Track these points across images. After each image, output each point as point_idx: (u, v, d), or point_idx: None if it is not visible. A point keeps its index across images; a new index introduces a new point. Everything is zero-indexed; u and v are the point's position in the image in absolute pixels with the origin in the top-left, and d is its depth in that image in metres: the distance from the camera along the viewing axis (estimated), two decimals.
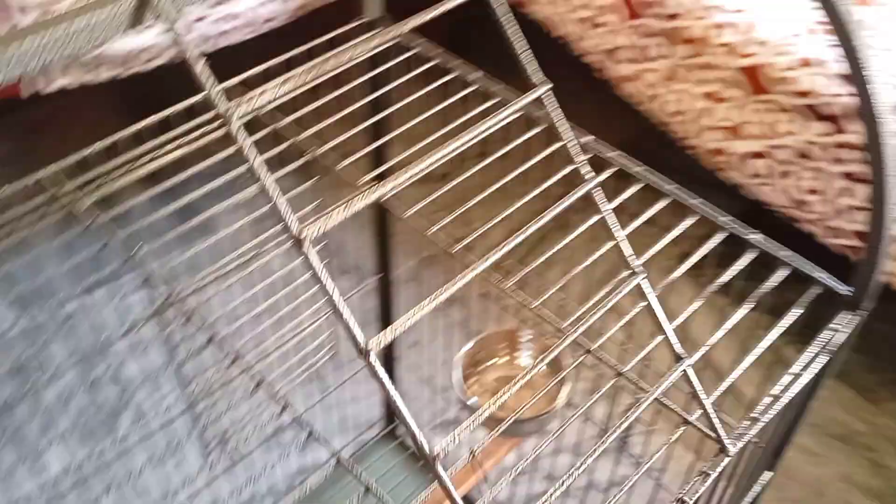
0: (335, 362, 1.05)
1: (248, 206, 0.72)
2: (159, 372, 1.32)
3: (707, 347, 0.52)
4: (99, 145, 0.68)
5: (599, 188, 0.46)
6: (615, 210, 0.48)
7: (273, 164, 0.68)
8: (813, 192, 1.35)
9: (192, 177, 0.70)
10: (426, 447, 0.39)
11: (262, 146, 0.64)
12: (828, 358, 0.53)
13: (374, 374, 0.38)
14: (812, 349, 0.53)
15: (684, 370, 0.46)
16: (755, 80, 1.36)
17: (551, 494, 0.43)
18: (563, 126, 0.46)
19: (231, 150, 0.72)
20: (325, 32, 0.80)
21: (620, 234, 0.47)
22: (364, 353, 0.38)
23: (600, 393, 0.56)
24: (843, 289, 0.56)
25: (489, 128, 0.45)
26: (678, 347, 0.47)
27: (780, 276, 0.57)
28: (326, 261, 0.39)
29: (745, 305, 0.57)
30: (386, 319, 1.10)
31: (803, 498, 1.34)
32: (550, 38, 1.66)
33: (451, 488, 0.39)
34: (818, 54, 1.31)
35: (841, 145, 1.29)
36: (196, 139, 0.72)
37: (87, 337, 1.37)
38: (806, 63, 1.31)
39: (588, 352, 0.57)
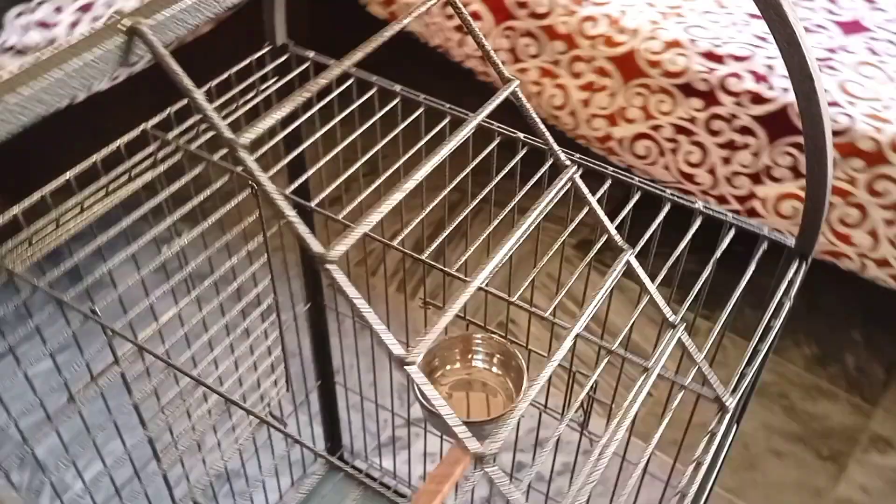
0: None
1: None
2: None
3: (692, 316, 0.55)
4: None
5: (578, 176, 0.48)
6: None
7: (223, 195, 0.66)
8: (697, 164, 1.43)
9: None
10: (395, 350, 0.39)
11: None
12: (790, 304, 0.57)
13: (411, 380, 0.37)
14: (776, 298, 0.56)
15: (679, 336, 0.49)
16: (628, 66, 1.43)
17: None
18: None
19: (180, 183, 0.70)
20: (229, 59, 0.78)
21: (604, 218, 0.49)
22: (404, 363, 0.37)
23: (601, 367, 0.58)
24: (789, 240, 0.61)
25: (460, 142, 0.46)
26: (668, 312, 0.49)
27: (730, 235, 0.61)
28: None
29: (707, 269, 0.60)
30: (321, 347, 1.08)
31: (731, 452, 1.41)
32: (429, 48, 1.68)
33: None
34: (682, 36, 1.39)
35: (715, 117, 1.37)
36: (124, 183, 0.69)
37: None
38: (673, 44, 1.39)
39: (610, 352, 0.58)
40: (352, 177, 0.76)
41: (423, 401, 0.83)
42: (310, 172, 0.76)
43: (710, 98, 1.36)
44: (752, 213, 1.40)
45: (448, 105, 0.83)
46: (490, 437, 0.41)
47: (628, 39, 1.42)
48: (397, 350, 0.38)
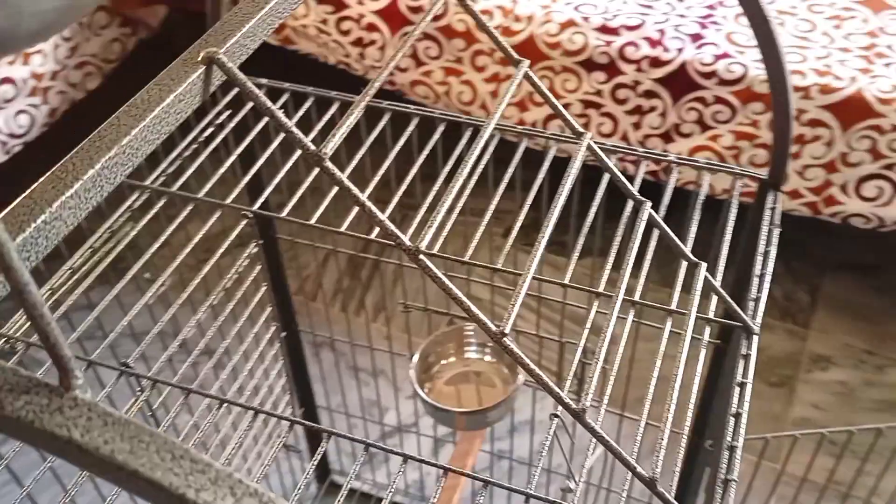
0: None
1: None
2: None
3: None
4: None
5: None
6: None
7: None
8: (610, 134, 1.49)
9: None
10: (492, 327, 0.41)
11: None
12: (779, 231, 0.62)
13: (510, 351, 0.39)
14: (765, 226, 0.62)
15: (705, 275, 0.53)
16: (529, 52, 1.48)
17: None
18: None
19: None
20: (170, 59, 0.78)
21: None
22: (501, 334, 0.39)
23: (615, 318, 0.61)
24: (763, 174, 0.66)
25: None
26: (688, 253, 0.53)
27: (706, 179, 0.65)
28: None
29: (694, 217, 0.65)
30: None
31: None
32: (329, 65, 1.69)
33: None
34: (574, 15, 1.46)
35: (619, 86, 1.44)
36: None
37: None
38: (568, 24, 1.45)
39: (633, 302, 0.61)
40: (311, 186, 0.77)
41: (429, 400, 0.85)
42: (275, 182, 0.76)
43: (611, 69, 1.43)
44: (668, 170, 1.47)
45: (386, 102, 0.85)
46: (507, 316, 0.43)
47: (525, 26, 1.48)
48: (491, 326, 0.40)
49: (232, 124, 0.75)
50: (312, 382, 1.28)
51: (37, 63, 1.59)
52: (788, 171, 1.39)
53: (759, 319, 0.55)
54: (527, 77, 0.50)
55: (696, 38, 1.41)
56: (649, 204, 0.51)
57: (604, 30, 1.44)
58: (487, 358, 0.92)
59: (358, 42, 1.60)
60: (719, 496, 0.50)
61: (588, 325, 0.55)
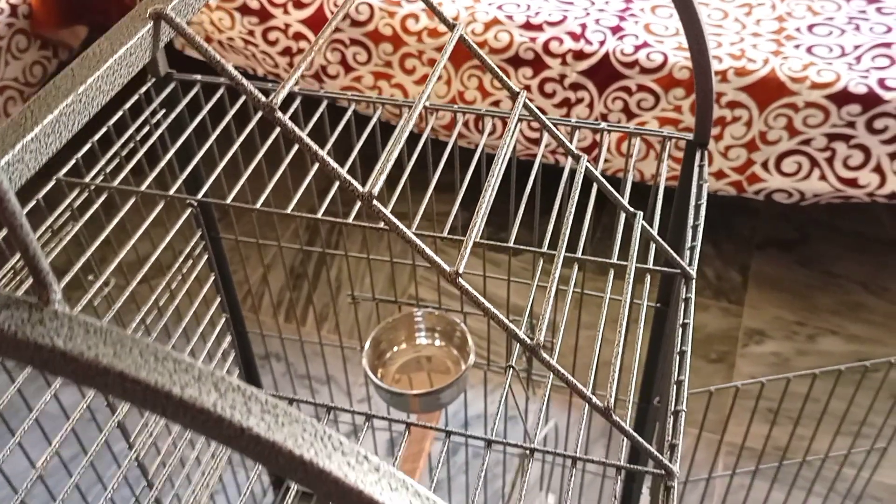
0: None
1: None
2: None
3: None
4: None
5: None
6: None
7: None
8: (539, 128, 1.53)
9: None
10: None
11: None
12: (707, 184, 0.65)
13: (465, 290, 0.40)
14: (695, 181, 0.65)
15: (641, 223, 0.55)
16: (456, 52, 1.51)
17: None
18: None
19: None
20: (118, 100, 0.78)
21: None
22: (455, 274, 0.41)
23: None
24: (689, 136, 0.69)
25: None
26: (626, 205, 0.56)
27: (637, 146, 0.68)
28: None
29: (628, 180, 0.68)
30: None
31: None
32: (258, 77, 1.69)
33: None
34: (498, 13, 1.49)
35: (546, 80, 1.48)
36: None
37: None
38: (493, 23, 1.48)
39: (576, 259, 0.63)
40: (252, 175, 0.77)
41: (381, 384, 0.86)
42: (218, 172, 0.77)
43: (538, 64, 1.47)
44: (598, 159, 1.52)
45: (323, 90, 0.86)
46: (459, 260, 0.45)
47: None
48: (445, 267, 0.41)
49: (170, 119, 0.75)
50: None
51: None
52: (712, 152, 1.44)
53: (695, 265, 0.58)
54: (462, 40, 0.52)
55: (616, 30, 1.46)
56: (585, 157, 0.53)
57: (527, 27, 1.47)
58: (437, 343, 0.93)
59: (286, 52, 1.61)
60: (667, 457, 0.52)
61: (534, 282, 0.57)
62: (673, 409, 0.50)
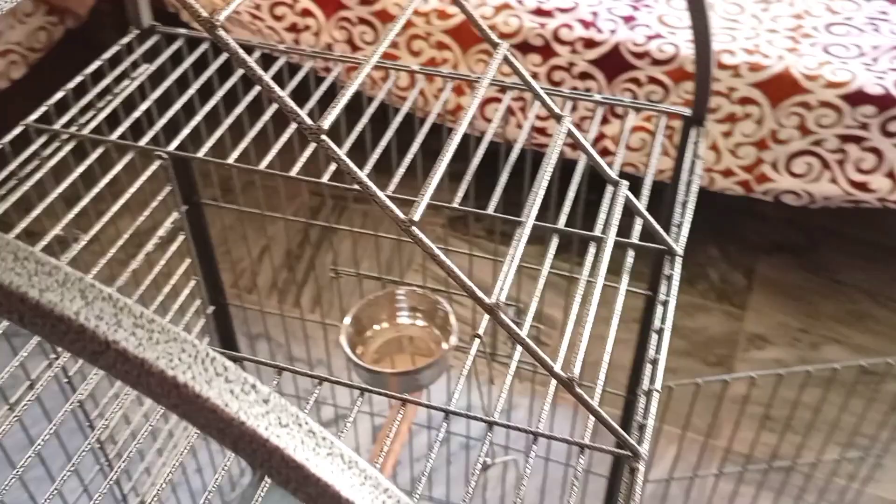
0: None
1: None
2: None
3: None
4: None
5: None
6: None
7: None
8: (546, 118, 1.50)
9: None
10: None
11: None
12: (702, 161, 0.62)
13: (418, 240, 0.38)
14: (688, 158, 0.61)
15: (626, 194, 0.52)
16: (465, 36, 1.48)
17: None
18: None
19: None
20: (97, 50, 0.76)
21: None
22: (410, 222, 0.38)
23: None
24: (686, 111, 0.66)
25: None
26: (609, 171, 0.52)
27: (631, 118, 0.65)
28: None
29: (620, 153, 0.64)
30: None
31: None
32: None
33: (428, 243, 0.41)
34: None
35: (554, 68, 1.45)
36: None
37: None
38: (503, 7, 1.45)
39: (555, 230, 0.60)
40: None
41: (359, 362, 0.83)
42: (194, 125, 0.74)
43: (546, 51, 1.43)
44: (605, 152, 1.48)
45: (419, 66, 0.84)
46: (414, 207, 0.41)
47: (459, 10, 1.47)
48: (399, 214, 0.38)
49: (150, 70, 0.72)
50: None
51: None
52: (721, 149, 1.40)
53: (682, 243, 0.55)
54: (506, 59, 0.49)
55: (628, 19, 1.43)
56: (568, 119, 0.50)
57: (538, 12, 1.44)
58: (419, 323, 0.90)
59: (292, 28, 1.58)
60: (635, 438, 0.49)
61: (516, 251, 0.53)
62: (646, 388, 0.47)
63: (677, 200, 0.58)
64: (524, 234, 0.47)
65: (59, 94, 0.69)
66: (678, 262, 0.54)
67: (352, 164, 0.37)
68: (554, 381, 0.46)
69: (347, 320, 0.86)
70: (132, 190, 0.66)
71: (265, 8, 1.57)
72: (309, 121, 0.37)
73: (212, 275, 0.97)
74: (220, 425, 0.21)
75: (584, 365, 0.49)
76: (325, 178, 0.68)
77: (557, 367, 0.44)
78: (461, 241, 1.67)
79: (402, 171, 0.69)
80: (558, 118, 0.51)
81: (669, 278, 0.52)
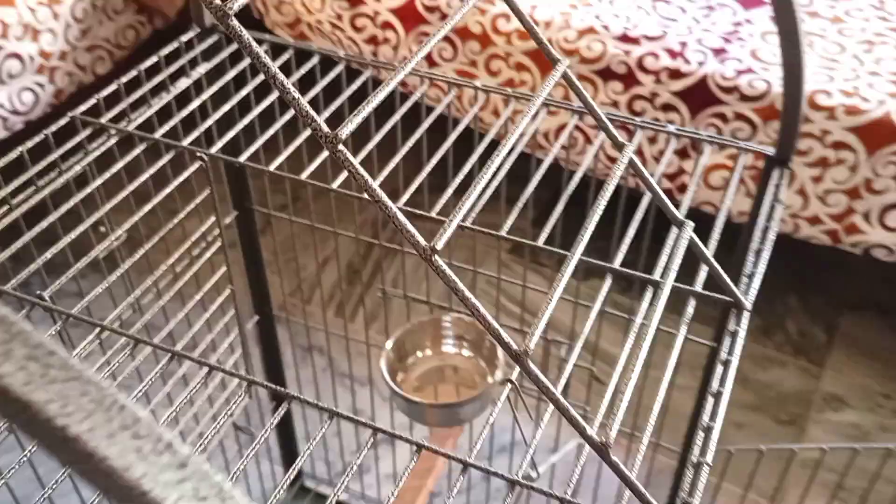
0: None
1: None
2: None
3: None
4: None
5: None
6: None
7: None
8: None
9: None
10: (513, 344, 0.35)
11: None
12: (782, 206, 0.56)
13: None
14: (768, 201, 0.55)
15: (690, 237, 0.46)
16: (544, 58, 1.43)
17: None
18: None
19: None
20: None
21: None
22: (524, 356, 0.33)
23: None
24: (769, 150, 0.60)
25: None
26: (674, 210, 0.47)
27: (707, 153, 0.59)
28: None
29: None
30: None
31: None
32: None
33: (539, 375, 0.36)
34: (595, 22, 1.41)
35: (636, 98, 1.38)
36: None
37: None
38: (588, 31, 1.40)
39: (609, 269, 0.55)
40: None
41: (398, 390, 0.79)
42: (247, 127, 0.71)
43: (629, 79, 1.38)
44: (683, 188, 1.41)
45: (424, 71, 0.80)
46: (531, 334, 0.36)
47: (542, 31, 1.43)
48: (511, 342, 0.34)
49: (209, 66, 0.70)
50: (302, 387, 1.22)
51: (46, 41, 1.57)
52: (809, 195, 1.32)
53: (751, 296, 0.49)
54: (565, 77, 0.44)
55: (719, 52, 1.36)
56: (631, 148, 0.45)
57: (624, 39, 1.38)
58: (465, 352, 0.85)
59: (371, 40, 1.56)
60: None
61: (555, 290, 0.48)
62: (695, 459, 0.41)
63: (751, 248, 0.52)
64: (567, 270, 0.41)
65: (111, 88, 0.67)
66: (746, 317, 0.48)
67: (368, 178, 0.32)
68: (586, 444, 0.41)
69: (389, 345, 0.81)
70: (168, 190, 0.63)
71: (346, 18, 1.56)
72: (326, 128, 0.32)
73: (259, 284, 0.94)
74: (120, 493, 0.17)
75: (644, 410, 0.44)
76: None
77: (595, 425, 0.39)
78: (530, 273, 1.62)
79: (451, 189, 0.64)
80: (620, 146, 0.46)
81: (734, 335, 0.46)
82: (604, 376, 1.44)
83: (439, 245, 0.33)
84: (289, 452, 1.18)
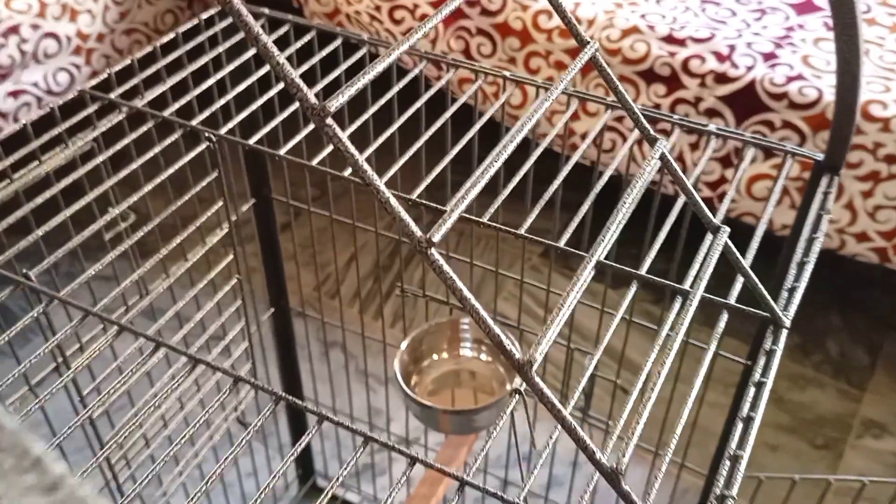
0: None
1: None
2: None
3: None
4: None
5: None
6: None
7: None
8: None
9: None
10: (516, 352, 0.31)
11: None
12: (828, 215, 0.51)
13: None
14: (814, 210, 0.51)
15: (724, 242, 0.42)
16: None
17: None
18: None
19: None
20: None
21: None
22: (527, 367, 0.29)
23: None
24: (818, 155, 0.55)
25: None
26: (711, 216, 0.43)
27: (750, 156, 0.55)
28: None
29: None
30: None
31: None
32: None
33: (548, 393, 0.32)
34: (640, 22, 1.36)
35: (679, 101, 1.33)
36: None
37: None
38: (632, 31, 1.35)
39: (634, 275, 0.51)
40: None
41: (410, 393, 0.75)
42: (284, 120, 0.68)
43: (673, 82, 1.32)
44: (724, 198, 1.35)
45: (424, 51, 0.77)
46: (537, 343, 0.33)
47: (585, 30, 1.38)
48: (515, 350, 0.30)
49: (227, 45, 0.67)
50: (318, 383, 1.19)
51: (84, 22, 1.56)
52: (858, 210, 1.25)
53: (791, 312, 0.44)
54: (593, 60, 0.41)
55: (768, 56, 1.30)
56: (664, 142, 0.40)
57: (669, 40, 1.33)
58: (483, 357, 0.81)
59: (409, 33, 1.53)
60: None
61: (568, 297, 0.44)
62: (720, 491, 0.36)
63: (793, 259, 0.47)
64: (584, 273, 0.37)
65: (125, 62, 0.64)
66: (783, 334, 0.43)
67: (357, 155, 0.29)
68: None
69: (404, 346, 0.78)
70: (172, 170, 0.60)
71: (384, 10, 1.53)
72: (313, 99, 0.29)
73: (276, 276, 0.91)
74: None
75: (671, 426, 0.39)
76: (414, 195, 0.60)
77: (608, 451, 0.35)
78: (563, 278, 1.57)
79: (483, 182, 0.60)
80: (652, 141, 0.42)
81: (770, 354, 0.41)
82: (630, 387, 1.39)
83: (436, 237, 0.29)
84: (302, 451, 1.15)
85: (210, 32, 0.70)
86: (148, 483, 0.58)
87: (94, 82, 0.63)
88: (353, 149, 0.29)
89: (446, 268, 0.29)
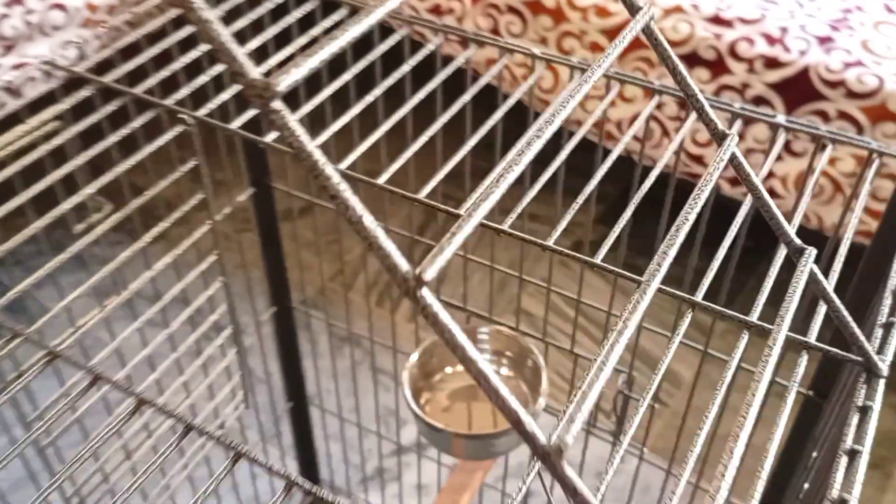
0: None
1: None
2: None
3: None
4: None
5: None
6: None
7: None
8: (705, 144, 1.28)
9: None
10: (540, 438, 0.22)
11: None
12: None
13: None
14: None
15: (811, 269, 0.33)
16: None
17: None
18: None
19: None
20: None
21: None
22: (553, 453, 0.21)
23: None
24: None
25: None
26: (793, 235, 0.33)
27: (827, 153, 0.45)
28: None
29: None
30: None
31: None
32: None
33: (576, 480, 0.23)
34: (683, 1, 1.26)
35: (724, 88, 1.23)
36: None
37: None
38: (675, 10, 1.25)
39: (688, 301, 0.42)
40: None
41: (420, 414, 0.67)
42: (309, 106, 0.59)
43: (718, 67, 1.22)
44: (772, 193, 1.25)
45: (473, 32, 0.69)
46: (565, 423, 0.24)
47: (623, 8, 1.28)
48: (539, 434, 0.21)
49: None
50: (329, 378, 1.11)
51: None
52: None
53: (889, 356, 0.35)
54: (646, 30, 0.31)
55: (824, 40, 1.19)
56: (735, 140, 0.31)
57: (715, 20, 1.23)
58: (504, 371, 0.72)
59: (435, 9, 1.43)
60: None
61: (615, 350, 0.35)
62: None
63: (887, 288, 0.38)
64: (640, 306, 0.28)
65: (127, 39, 0.56)
66: (881, 385, 0.34)
67: (306, 142, 0.20)
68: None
69: (414, 357, 0.69)
70: (149, 149, 0.52)
71: None
72: (256, 74, 0.20)
73: (277, 272, 0.83)
74: None
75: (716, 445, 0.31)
76: (381, 180, 0.51)
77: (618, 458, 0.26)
78: (590, 273, 1.48)
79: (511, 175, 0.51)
80: (721, 137, 0.32)
81: (865, 412, 0.32)
82: (665, 396, 1.30)
83: (428, 274, 0.20)
84: (307, 456, 1.07)
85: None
86: None
87: (99, 57, 0.54)
88: (311, 146, 0.20)
89: (443, 316, 0.20)
